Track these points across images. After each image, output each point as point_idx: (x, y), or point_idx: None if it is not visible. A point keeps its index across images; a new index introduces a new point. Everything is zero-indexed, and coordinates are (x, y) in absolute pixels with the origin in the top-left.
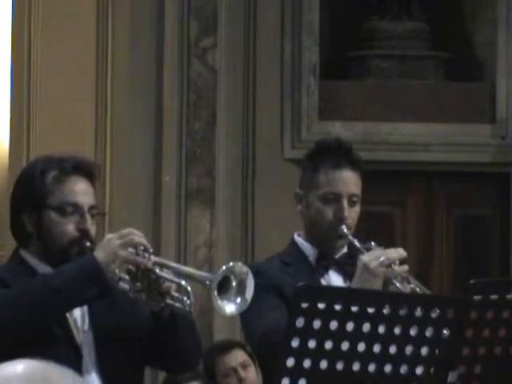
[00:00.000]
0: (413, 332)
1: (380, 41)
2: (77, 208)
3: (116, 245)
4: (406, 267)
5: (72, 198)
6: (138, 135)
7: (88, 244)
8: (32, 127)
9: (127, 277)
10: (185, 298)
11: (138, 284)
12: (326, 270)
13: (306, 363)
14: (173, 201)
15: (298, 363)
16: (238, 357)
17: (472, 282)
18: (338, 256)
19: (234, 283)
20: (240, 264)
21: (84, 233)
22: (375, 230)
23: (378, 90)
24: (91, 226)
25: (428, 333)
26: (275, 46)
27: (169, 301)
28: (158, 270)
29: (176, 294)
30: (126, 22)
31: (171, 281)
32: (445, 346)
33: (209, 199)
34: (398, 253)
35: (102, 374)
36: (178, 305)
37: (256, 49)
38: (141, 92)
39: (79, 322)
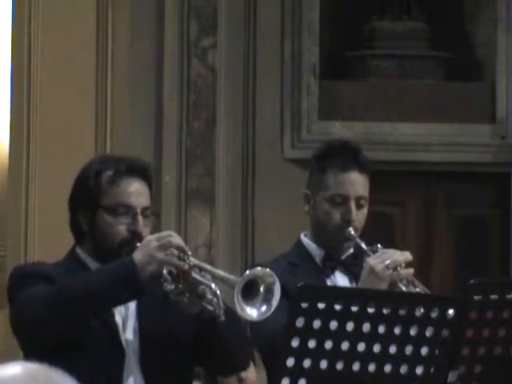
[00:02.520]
0: (413, 332)
1: (380, 41)
2: (129, 209)
3: (154, 247)
4: (411, 270)
5: (125, 199)
6: (138, 135)
7: (138, 245)
8: (32, 127)
9: (169, 278)
10: (214, 300)
11: (179, 286)
12: (333, 271)
13: (306, 363)
14: (173, 201)
15: (298, 363)
16: None
17: (472, 281)
18: (344, 257)
19: (261, 289)
20: (268, 271)
21: (135, 234)
22: (375, 229)
23: (378, 90)
24: (143, 228)
25: (428, 333)
26: (275, 46)
27: (204, 303)
28: (193, 273)
29: (209, 297)
30: (126, 22)
31: (204, 284)
32: (445, 346)
33: (209, 199)
34: (404, 256)
35: (146, 376)
36: (210, 308)
37: (256, 49)
38: (141, 92)
39: (125, 323)
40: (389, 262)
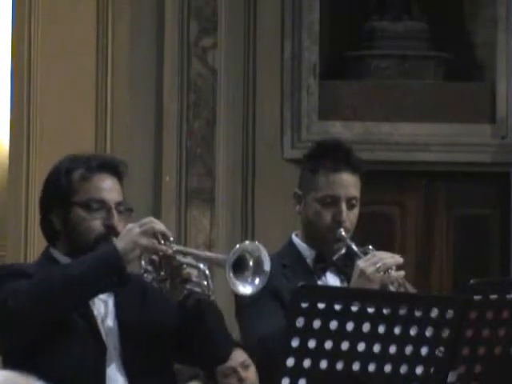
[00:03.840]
0: (413, 332)
1: (380, 41)
2: (103, 204)
3: (136, 233)
4: (402, 273)
5: (98, 194)
6: (138, 135)
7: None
8: (32, 127)
9: (150, 267)
10: (204, 282)
11: (161, 273)
12: (324, 272)
13: (306, 363)
14: (173, 201)
15: (298, 363)
16: (238, 357)
17: (472, 281)
18: (335, 258)
19: (251, 262)
20: (250, 242)
21: (111, 229)
22: (375, 230)
23: (378, 90)
24: (118, 223)
25: (428, 333)
26: (275, 46)
27: (190, 286)
28: (178, 257)
29: (196, 280)
30: (126, 22)
31: (191, 265)
32: (445, 346)
33: (209, 199)
34: (395, 259)
35: (128, 371)
36: (198, 289)
37: (256, 49)
38: (141, 92)
39: (105, 319)
40: (379, 264)
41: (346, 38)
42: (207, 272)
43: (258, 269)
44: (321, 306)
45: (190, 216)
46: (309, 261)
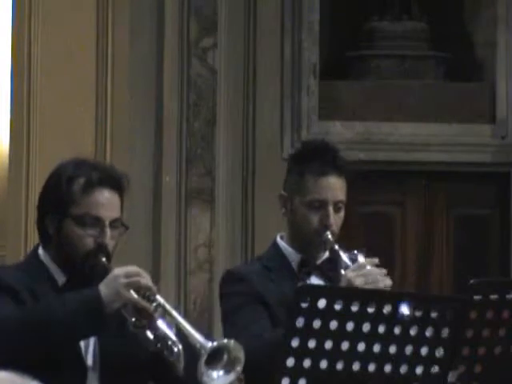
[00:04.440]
0: (413, 332)
1: (380, 41)
2: (98, 221)
3: (121, 284)
4: (389, 283)
5: (94, 210)
6: (138, 135)
7: (103, 259)
8: (32, 127)
9: (132, 309)
10: (175, 350)
11: (141, 321)
12: (308, 276)
13: (306, 363)
14: (173, 201)
15: (298, 363)
16: None
17: (472, 282)
18: (319, 261)
19: (225, 357)
20: (235, 343)
21: (101, 246)
22: (375, 230)
23: (378, 90)
24: (110, 240)
25: (428, 333)
26: (275, 46)
27: (163, 348)
28: (157, 317)
29: (170, 344)
30: (126, 22)
31: (165, 336)
32: (445, 346)
33: (209, 199)
34: (384, 282)
35: None
36: (170, 358)
37: (256, 49)
38: (141, 92)
39: (87, 346)
40: (369, 279)
41: (346, 38)
42: (180, 348)
43: (229, 367)
44: (321, 306)
45: (190, 216)
46: (294, 264)
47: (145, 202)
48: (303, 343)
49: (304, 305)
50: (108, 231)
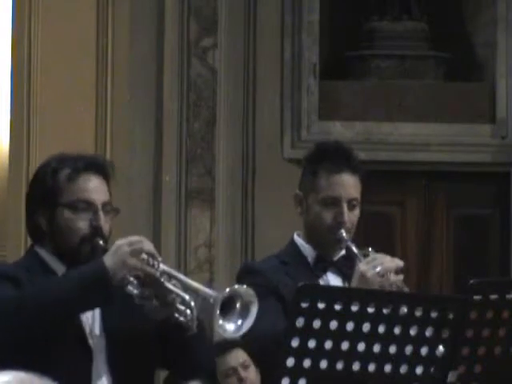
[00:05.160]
0: (413, 332)
1: (380, 41)
2: (89, 205)
3: (125, 252)
4: (401, 277)
5: (84, 195)
6: (138, 135)
7: (101, 242)
8: (32, 127)
9: (135, 282)
10: (188, 312)
11: (146, 291)
12: (324, 272)
13: (306, 363)
14: (173, 201)
15: (298, 363)
16: (239, 357)
17: (472, 282)
18: (336, 258)
19: (238, 305)
20: (246, 288)
21: (96, 229)
22: (375, 230)
23: (378, 90)
24: (105, 223)
25: (428, 333)
26: (275, 46)
27: (175, 314)
28: (164, 281)
29: (180, 307)
30: (126, 22)
31: (176, 293)
32: (445, 346)
33: (209, 199)
34: (395, 262)
35: (113, 377)
36: (181, 318)
37: (256, 49)
38: (141, 92)
39: (91, 325)
40: (379, 268)
41: (346, 37)
42: (192, 304)
43: (244, 313)
44: (321, 305)
45: (190, 216)
46: (310, 260)
47: (145, 201)
48: (303, 343)
49: (304, 305)
50: (101, 214)
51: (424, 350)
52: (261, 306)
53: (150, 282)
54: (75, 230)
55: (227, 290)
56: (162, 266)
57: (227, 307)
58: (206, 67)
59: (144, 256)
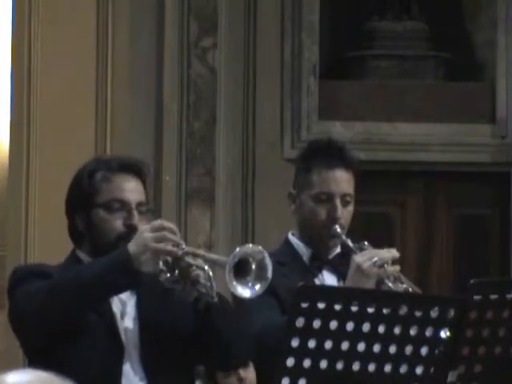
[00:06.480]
0: (413, 332)
1: (380, 41)
2: (124, 204)
3: (147, 236)
4: (397, 267)
5: (118, 194)
6: (138, 135)
7: None
8: (32, 127)
9: (165, 268)
10: (208, 284)
11: (174, 274)
12: (320, 270)
13: (306, 363)
14: (173, 201)
15: (298, 363)
16: None
17: (472, 281)
18: (331, 256)
19: (253, 267)
20: (253, 246)
21: (131, 228)
22: (375, 229)
23: (378, 90)
24: (139, 223)
25: (428, 333)
26: (275, 46)
27: (198, 288)
28: (187, 258)
29: (203, 282)
30: (126, 22)
31: (197, 266)
32: (445, 346)
33: (209, 199)
34: (391, 253)
35: (146, 369)
36: (204, 290)
37: (256, 49)
38: (141, 92)
39: (124, 314)
40: (376, 259)
41: (346, 38)
42: (211, 273)
43: (260, 274)
44: (321, 306)
45: (190, 216)
46: (305, 259)
47: None
48: (303, 343)
49: (304, 305)
50: (135, 213)
51: (424, 350)
52: (256, 302)
53: (175, 263)
54: (110, 229)
55: (235, 251)
56: (184, 245)
57: (244, 270)
58: (206, 67)
59: (166, 236)
